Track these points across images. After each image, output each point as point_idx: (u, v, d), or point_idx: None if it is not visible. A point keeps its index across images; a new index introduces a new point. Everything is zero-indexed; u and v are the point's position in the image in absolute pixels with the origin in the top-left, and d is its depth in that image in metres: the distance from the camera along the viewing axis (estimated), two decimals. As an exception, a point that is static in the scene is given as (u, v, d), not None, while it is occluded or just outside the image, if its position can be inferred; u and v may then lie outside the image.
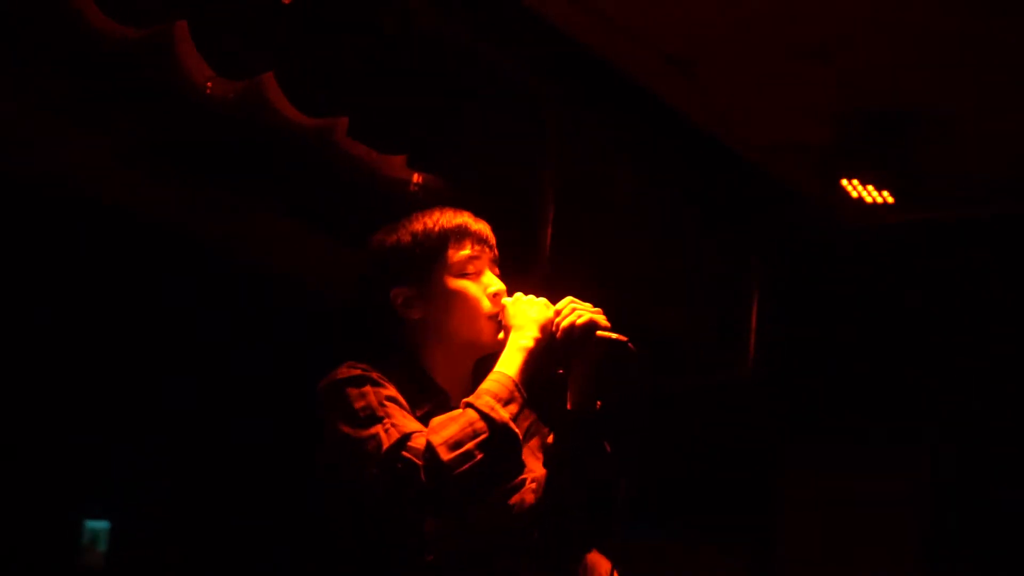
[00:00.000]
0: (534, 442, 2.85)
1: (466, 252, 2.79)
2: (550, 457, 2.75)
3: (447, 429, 2.51)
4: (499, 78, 4.49)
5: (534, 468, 2.77)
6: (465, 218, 2.84)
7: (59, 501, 4.63)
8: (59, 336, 4.64)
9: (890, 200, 5.28)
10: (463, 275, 2.78)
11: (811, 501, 6.73)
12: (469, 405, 2.56)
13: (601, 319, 2.71)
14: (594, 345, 2.70)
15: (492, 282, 2.82)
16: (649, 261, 5.27)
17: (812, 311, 6.62)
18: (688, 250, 5.67)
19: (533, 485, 2.73)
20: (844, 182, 5.26)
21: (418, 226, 2.80)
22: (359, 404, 2.57)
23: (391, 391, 2.62)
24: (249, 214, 4.44)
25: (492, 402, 2.56)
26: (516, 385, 2.62)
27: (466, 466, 2.48)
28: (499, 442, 2.53)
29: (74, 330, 4.64)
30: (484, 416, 2.53)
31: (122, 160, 4.14)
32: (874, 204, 5.30)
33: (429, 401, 2.69)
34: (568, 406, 2.77)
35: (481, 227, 2.85)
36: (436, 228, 2.80)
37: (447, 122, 4.30)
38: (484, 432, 2.51)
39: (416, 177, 4.28)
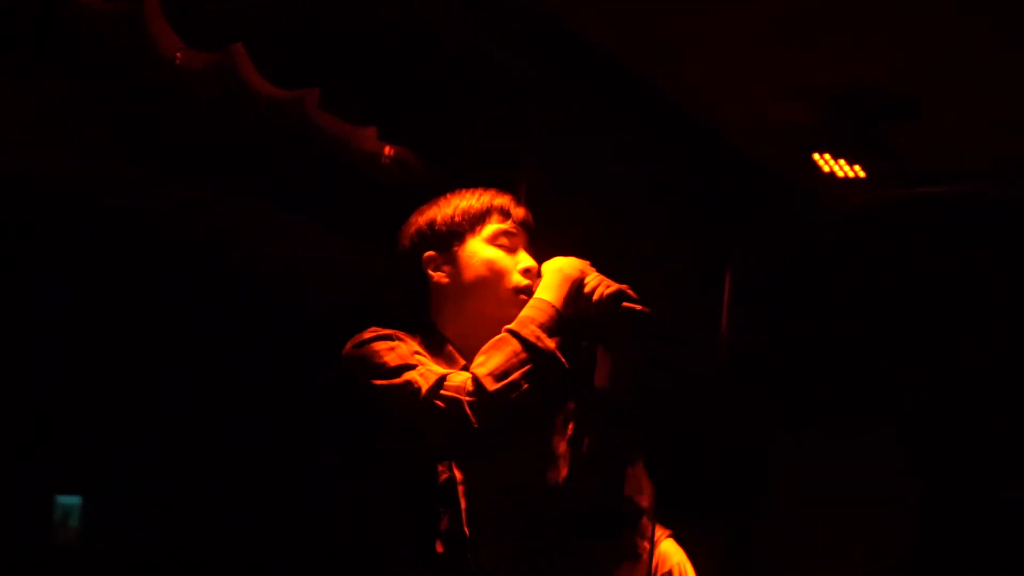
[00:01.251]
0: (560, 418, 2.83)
1: (503, 226, 2.81)
2: (579, 432, 2.74)
3: (492, 359, 2.51)
4: (474, 51, 4.47)
5: (559, 446, 2.75)
6: (509, 200, 2.88)
7: (30, 476, 4.60)
8: (31, 313, 4.62)
9: (862, 175, 5.29)
10: (496, 246, 2.81)
11: (795, 498, 6.74)
12: (514, 333, 2.55)
13: (628, 291, 2.72)
14: (621, 316, 2.70)
15: (524, 259, 2.83)
16: (622, 238, 5.25)
17: (791, 300, 6.64)
18: (663, 231, 5.65)
19: (562, 459, 2.73)
20: (816, 156, 5.28)
21: (462, 200, 2.86)
22: (388, 357, 2.58)
23: (418, 347, 2.64)
24: (217, 188, 4.42)
25: (537, 330, 2.56)
26: (559, 313, 2.62)
27: (513, 396, 2.48)
28: (546, 372, 2.52)
29: (46, 306, 4.62)
30: (530, 345, 2.52)
31: (87, 134, 4.11)
32: (846, 179, 5.32)
33: (448, 365, 2.68)
34: (596, 382, 2.77)
35: (523, 211, 2.89)
36: (480, 203, 2.85)
37: (419, 94, 4.29)
38: (530, 362, 2.51)
39: (387, 150, 4.27)
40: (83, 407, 4.66)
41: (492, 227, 2.81)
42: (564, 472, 2.71)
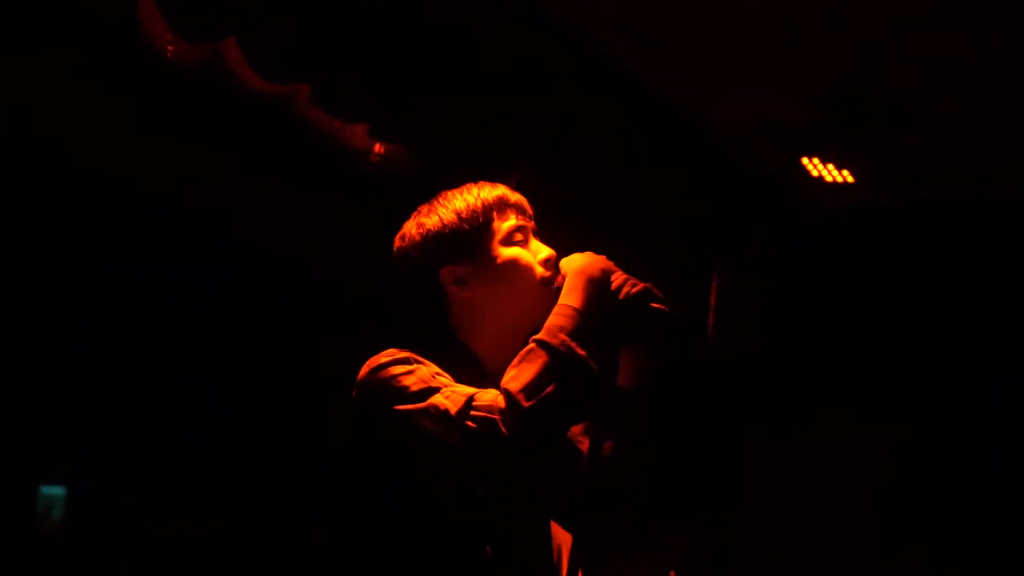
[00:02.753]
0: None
1: (511, 222, 2.74)
2: (600, 432, 2.72)
3: (524, 373, 2.42)
4: (465, 45, 4.45)
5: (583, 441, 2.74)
6: (503, 190, 2.78)
7: (14, 467, 4.59)
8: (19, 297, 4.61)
9: (850, 180, 5.28)
10: (512, 244, 2.76)
11: (774, 490, 6.75)
12: (543, 344, 2.47)
13: (654, 290, 2.69)
14: (646, 316, 2.68)
15: (541, 249, 2.77)
16: (613, 234, 5.26)
17: (775, 292, 6.63)
18: (650, 225, 5.64)
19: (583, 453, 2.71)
20: (805, 160, 5.26)
21: (458, 203, 2.73)
22: (409, 381, 2.49)
23: (437, 369, 2.54)
24: (207, 181, 4.43)
25: (566, 339, 2.48)
26: (585, 318, 2.53)
27: (547, 409, 2.40)
28: (578, 381, 2.45)
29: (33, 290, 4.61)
30: (560, 356, 2.44)
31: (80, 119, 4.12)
32: (834, 183, 5.31)
33: (475, 383, 2.55)
34: (620, 382, 2.73)
35: (520, 198, 2.79)
36: (478, 201, 2.73)
37: (410, 92, 4.27)
38: (562, 373, 2.43)
39: (377, 147, 4.26)
40: (72, 398, 4.66)
41: (503, 226, 2.71)
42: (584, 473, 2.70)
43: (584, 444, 2.72)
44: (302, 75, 3.99)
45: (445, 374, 2.53)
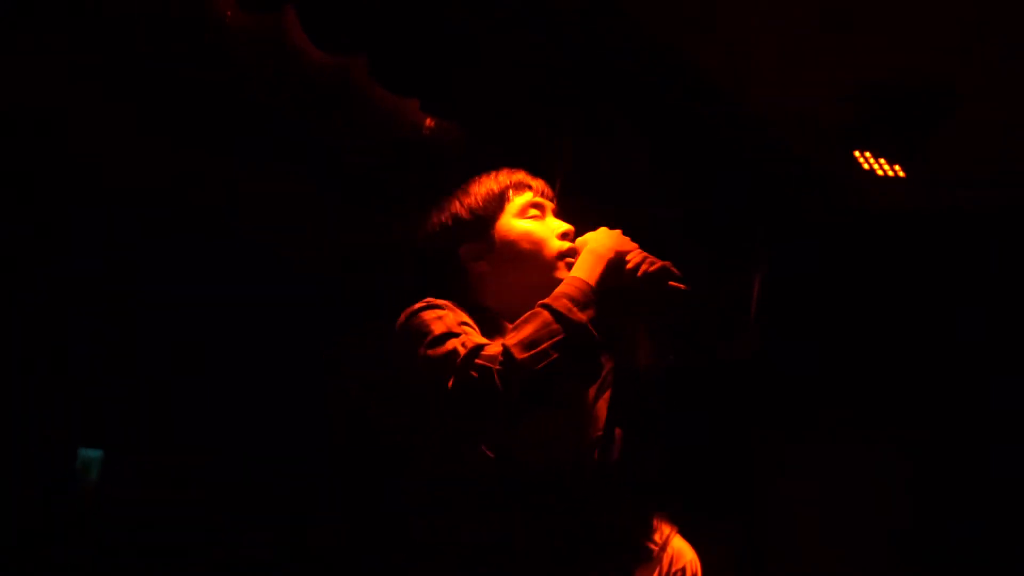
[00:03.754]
0: (606, 395, 2.84)
1: (527, 197, 2.82)
2: (620, 411, 2.74)
3: (523, 331, 2.49)
4: (517, 29, 4.47)
5: (600, 419, 2.76)
6: (523, 174, 2.89)
7: (54, 428, 4.61)
8: (60, 271, 4.62)
9: (901, 174, 5.28)
10: (527, 218, 2.80)
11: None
12: (545, 306, 2.55)
13: (672, 268, 2.71)
14: (664, 293, 2.69)
15: (559, 224, 2.83)
16: (659, 220, 5.26)
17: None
18: (696, 217, 5.64)
19: (599, 436, 2.73)
20: (856, 154, 5.26)
21: (479, 187, 2.85)
22: (436, 326, 2.56)
23: (466, 318, 2.63)
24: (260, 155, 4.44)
25: (569, 303, 2.54)
26: (592, 289, 2.60)
27: (540, 365, 2.46)
28: (575, 343, 2.51)
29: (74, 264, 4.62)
30: (560, 316, 2.51)
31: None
32: (885, 177, 5.31)
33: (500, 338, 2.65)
34: (640, 360, 2.76)
35: (539, 181, 2.90)
36: (496, 183, 2.85)
37: (464, 67, 4.27)
38: (560, 333, 2.50)
39: (429, 121, 4.27)
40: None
41: (518, 201, 2.82)
42: (594, 445, 2.72)
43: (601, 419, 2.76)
44: (358, 47, 3.99)
45: (473, 324, 2.62)
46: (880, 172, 5.25)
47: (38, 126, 4.47)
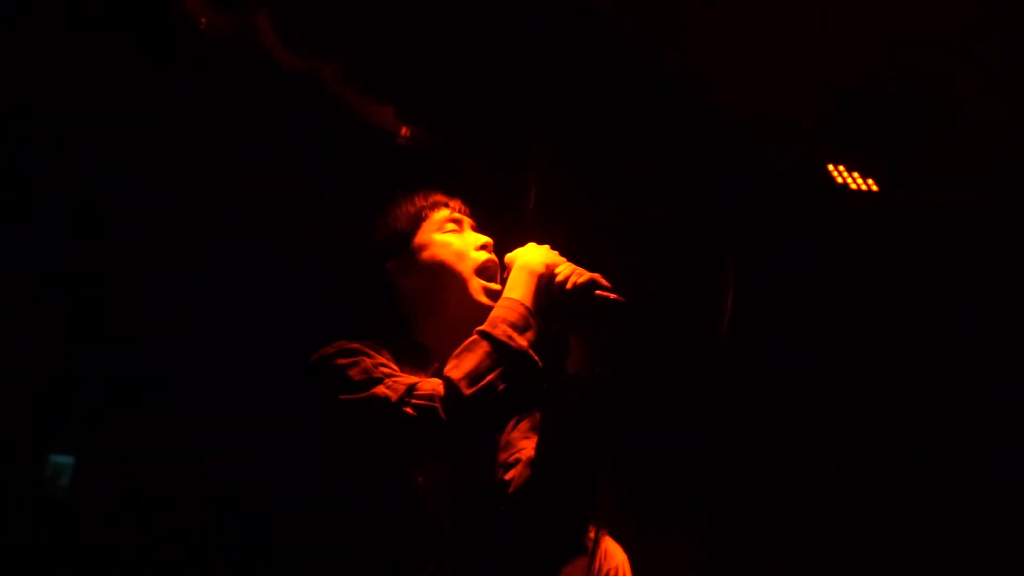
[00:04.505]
0: (524, 424, 2.85)
1: (444, 214, 2.85)
2: (547, 423, 2.74)
3: (465, 362, 2.49)
4: (493, 38, 4.46)
5: (526, 447, 2.76)
6: (439, 194, 2.93)
7: (23, 435, 4.60)
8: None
9: (874, 188, 5.28)
10: (446, 232, 2.82)
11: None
12: (484, 335, 2.54)
13: (601, 280, 2.71)
14: (593, 305, 2.70)
15: (476, 237, 2.85)
16: (631, 226, 5.26)
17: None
18: (669, 221, 5.64)
19: (526, 460, 2.73)
20: (831, 167, 5.26)
21: (398, 207, 2.91)
22: (353, 371, 2.56)
23: (383, 360, 2.62)
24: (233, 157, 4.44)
25: (508, 329, 2.54)
26: (529, 311, 2.60)
27: (488, 398, 2.46)
28: (519, 371, 2.51)
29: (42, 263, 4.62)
30: (501, 345, 2.51)
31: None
32: (858, 191, 5.31)
33: (421, 371, 2.66)
34: (568, 370, 2.76)
35: (456, 200, 2.95)
36: (413, 204, 2.90)
37: (439, 76, 4.27)
38: (503, 362, 2.50)
39: (404, 130, 4.27)
40: (79, 370, 4.67)
41: (435, 217, 2.86)
42: (524, 464, 2.73)
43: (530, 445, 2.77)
44: (331, 51, 4.00)
45: (390, 364, 2.62)
46: (854, 186, 5.26)
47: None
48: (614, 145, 5.24)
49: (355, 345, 2.64)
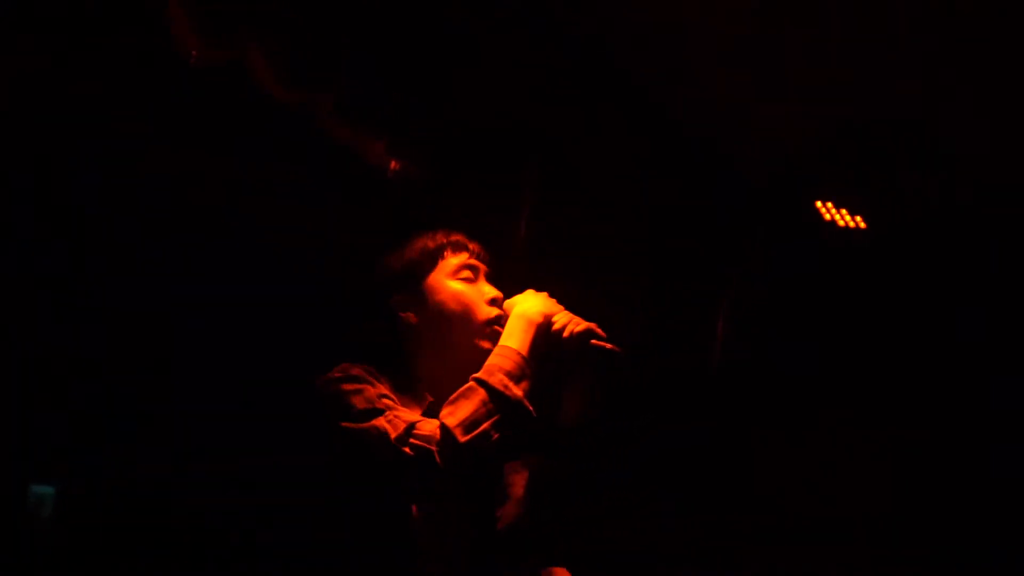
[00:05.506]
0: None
1: (462, 259, 2.83)
2: (538, 475, 2.75)
3: (461, 410, 2.52)
4: (487, 72, 4.46)
5: (517, 483, 2.77)
6: (461, 236, 2.96)
7: (3, 465, 4.62)
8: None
9: (862, 225, 5.27)
10: (460, 279, 2.82)
11: (774, 491, 6.76)
12: (481, 383, 2.56)
13: (597, 329, 2.72)
14: (589, 354, 2.70)
15: (489, 289, 2.85)
16: (626, 256, 5.26)
17: (816, 295, 6.65)
18: (664, 248, 5.63)
19: (517, 498, 2.74)
20: (819, 204, 5.25)
21: (419, 241, 2.94)
22: (355, 400, 2.60)
23: (384, 390, 2.63)
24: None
25: (504, 378, 2.57)
26: (525, 360, 2.63)
27: (482, 445, 2.49)
28: (514, 420, 2.54)
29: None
30: (497, 395, 2.54)
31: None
32: (846, 228, 5.30)
33: (416, 402, 2.67)
34: (561, 419, 2.77)
35: (477, 243, 2.92)
36: (435, 239, 2.93)
37: (432, 111, 4.27)
38: (498, 412, 2.52)
39: (394, 164, 4.26)
40: (71, 397, 4.69)
41: (452, 261, 2.87)
42: (516, 511, 2.74)
43: (521, 481, 2.78)
44: (323, 85, 3.99)
45: (392, 396, 2.63)
46: (841, 223, 5.24)
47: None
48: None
49: (358, 371, 2.67)
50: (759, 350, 6.52)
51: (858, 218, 5.26)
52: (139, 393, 4.88)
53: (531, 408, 2.58)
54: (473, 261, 2.90)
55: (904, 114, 4.99)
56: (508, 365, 2.61)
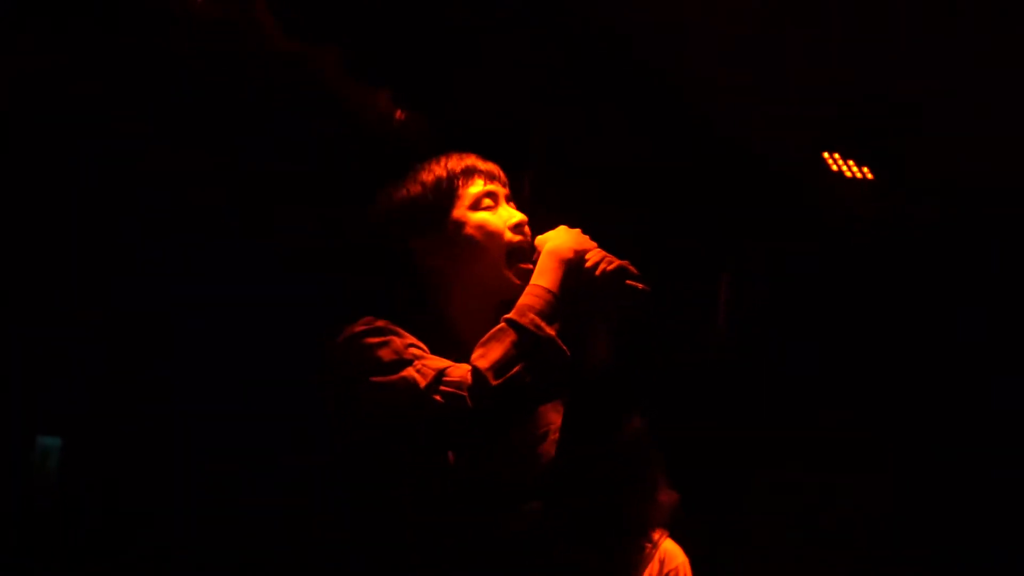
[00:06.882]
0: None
1: (478, 187, 2.71)
2: (571, 414, 2.69)
3: (492, 351, 2.41)
4: (491, 27, 4.47)
5: (555, 420, 2.71)
6: (472, 159, 2.73)
7: (10, 416, 4.60)
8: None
9: (869, 176, 5.26)
10: (480, 209, 2.74)
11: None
12: (512, 323, 2.46)
13: (630, 267, 2.66)
14: (621, 294, 2.66)
15: (512, 214, 2.75)
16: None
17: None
18: (667, 220, 5.64)
19: (555, 436, 2.68)
20: (826, 155, 5.25)
21: (427, 175, 2.69)
22: (382, 352, 2.47)
23: (412, 339, 2.52)
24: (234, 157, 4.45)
25: (536, 318, 2.45)
26: (557, 298, 2.51)
27: (516, 388, 2.39)
28: (547, 361, 2.44)
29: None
30: (529, 335, 2.43)
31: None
32: (853, 179, 5.29)
33: (450, 354, 2.61)
34: (589, 362, 2.71)
35: (491, 166, 2.75)
36: (445, 172, 2.69)
37: (437, 60, 4.27)
38: (530, 353, 2.42)
39: (399, 113, 4.26)
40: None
41: (470, 191, 2.68)
42: (551, 456, 2.68)
43: (556, 425, 2.72)
44: (328, 35, 3.99)
45: (420, 344, 2.52)
46: (848, 174, 5.23)
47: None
48: (614, 145, 5.24)
49: (382, 323, 2.53)
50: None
51: (865, 169, 5.24)
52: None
53: (564, 347, 2.50)
54: (491, 187, 2.77)
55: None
56: (539, 304, 2.49)
